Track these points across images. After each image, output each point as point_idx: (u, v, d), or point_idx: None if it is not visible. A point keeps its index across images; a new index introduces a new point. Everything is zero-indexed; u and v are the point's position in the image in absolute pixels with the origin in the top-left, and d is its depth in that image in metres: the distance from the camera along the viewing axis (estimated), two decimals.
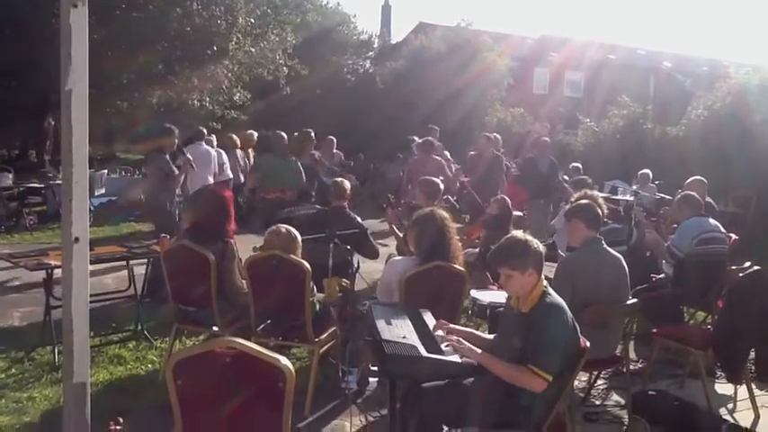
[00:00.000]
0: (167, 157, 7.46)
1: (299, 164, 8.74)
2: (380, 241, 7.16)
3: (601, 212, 4.60)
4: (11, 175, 11.96)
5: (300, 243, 4.65)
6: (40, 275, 5.50)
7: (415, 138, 12.42)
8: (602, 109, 19.31)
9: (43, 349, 5.35)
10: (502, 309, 3.84)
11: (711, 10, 77.59)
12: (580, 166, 11.36)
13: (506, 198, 7.49)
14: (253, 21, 16.41)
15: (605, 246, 4.46)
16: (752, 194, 12.27)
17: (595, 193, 5.03)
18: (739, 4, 76.90)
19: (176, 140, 7.76)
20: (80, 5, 2.68)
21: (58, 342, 5.03)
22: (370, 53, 28.30)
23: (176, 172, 7.48)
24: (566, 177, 10.59)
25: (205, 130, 11.05)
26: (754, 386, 4.78)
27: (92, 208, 10.71)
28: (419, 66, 21.24)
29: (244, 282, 4.87)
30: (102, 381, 4.92)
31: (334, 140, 12.65)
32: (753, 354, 5.02)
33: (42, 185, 12.17)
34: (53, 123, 16.11)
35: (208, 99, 16.59)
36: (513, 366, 3.21)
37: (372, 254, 6.24)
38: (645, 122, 16.96)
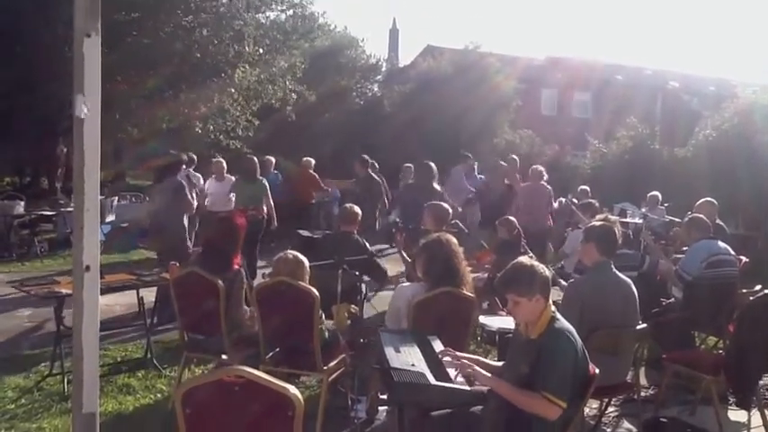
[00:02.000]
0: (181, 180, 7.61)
1: (266, 183, 9.19)
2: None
3: (618, 240, 4.54)
4: (22, 203, 12.06)
5: (308, 269, 4.65)
6: (50, 303, 5.53)
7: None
8: (610, 129, 19.35)
9: (53, 378, 5.35)
10: (511, 335, 3.83)
11: (717, 29, 77.80)
12: (588, 189, 11.37)
13: (514, 221, 7.49)
14: (261, 51, 16.57)
15: (614, 270, 4.43)
16: (762, 216, 12.22)
17: (614, 218, 4.99)
18: (745, 23, 77.10)
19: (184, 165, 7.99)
20: (93, 35, 2.73)
21: (68, 371, 5.04)
22: (379, 77, 28.47)
23: (188, 194, 7.61)
24: (574, 200, 10.59)
25: (195, 156, 11.35)
26: (767, 412, 4.72)
27: (103, 237, 10.80)
28: (427, 88, 21.37)
29: (249, 309, 4.89)
30: (112, 411, 4.91)
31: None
32: (766, 379, 4.97)
33: (53, 213, 12.27)
34: (65, 150, 16.26)
35: (212, 127, 16.70)
36: (527, 393, 3.17)
37: (381, 277, 6.26)
38: (653, 143, 16.97)
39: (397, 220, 6.95)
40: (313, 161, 12.91)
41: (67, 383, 5.07)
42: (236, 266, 5.05)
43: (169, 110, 15.35)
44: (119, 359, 6.03)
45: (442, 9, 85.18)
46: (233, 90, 15.96)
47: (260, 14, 17.41)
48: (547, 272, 3.36)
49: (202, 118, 16.21)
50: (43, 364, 5.68)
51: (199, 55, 14.75)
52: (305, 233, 7.30)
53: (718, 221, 7.10)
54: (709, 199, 7.22)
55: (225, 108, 16.31)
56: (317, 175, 12.87)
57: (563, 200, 11.65)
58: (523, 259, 3.43)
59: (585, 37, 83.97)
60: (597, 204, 8.46)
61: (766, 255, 10.20)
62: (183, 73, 14.68)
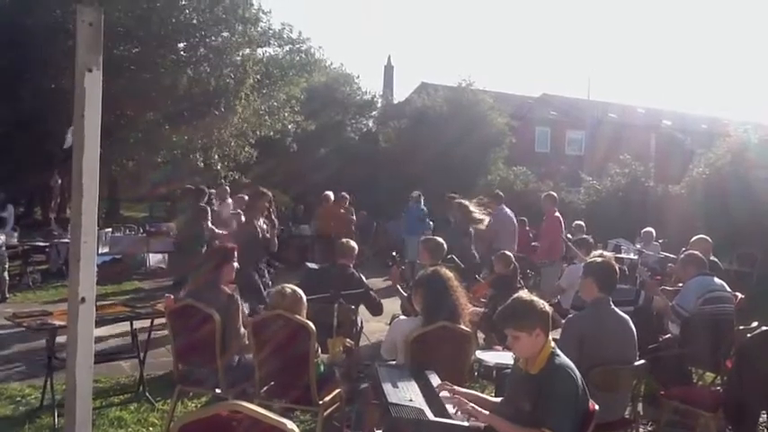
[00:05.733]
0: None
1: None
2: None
3: (617, 276, 4.53)
4: (16, 234, 12.00)
5: (306, 303, 4.62)
6: (42, 335, 5.48)
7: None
8: (603, 167, 19.48)
9: (44, 411, 5.27)
10: (509, 370, 3.80)
11: (708, 69, 78.97)
12: (583, 224, 11.39)
13: (510, 255, 7.48)
14: (259, 78, 16.71)
15: (612, 306, 4.41)
16: (756, 252, 12.24)
17: (608, 254, 4.99)
18: (736, 63, 78.32)
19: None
20: (94, 70, 2.76)
21: (60, 404, 4.97)
22: (374, 112, 28.70)
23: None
24: (569, 236, 10.61)
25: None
26: None
27: (96, 269, 10.73)
28: (422, 125, 21.52)
29: (245, 334, 4.84)
30: None
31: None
32: (765, 416, 4.93)
33: (47, 244, 12.21)
34: (59, 181, 16.26)
35: (217, 156, 16.74)
36: (525, 429, 3.14)
37: (377, 310, 6.24)
38: (647, 180, 17.09)
39: (394, 254, 6.94)
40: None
41: (58, 417, 4.99)
42: (228, 291, 5.01)
43: (167, 143, 15.40)
44: (111, 392, 5.95)
45: (437, 47, 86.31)
46: (236, 119, 16.04)
47: (259, 49, 17.60)
48: (547, 306, 3.35)
49: (203, 150, 16.27)
50: (34, 397, 5.60)
51: (198, 89, 14.86)
52: (312, 266, 7.26)
53: (712, 258, 7.10)
54: (703, 236, 7.23)
55: (225, 139, 16.38)
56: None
57: None
58: (523, 294, 3.42)
59: (579, 75, 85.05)
60: (591, 240, 8.46)
61: (761, 291, 10.19)
62: (183, 106, 14.77)
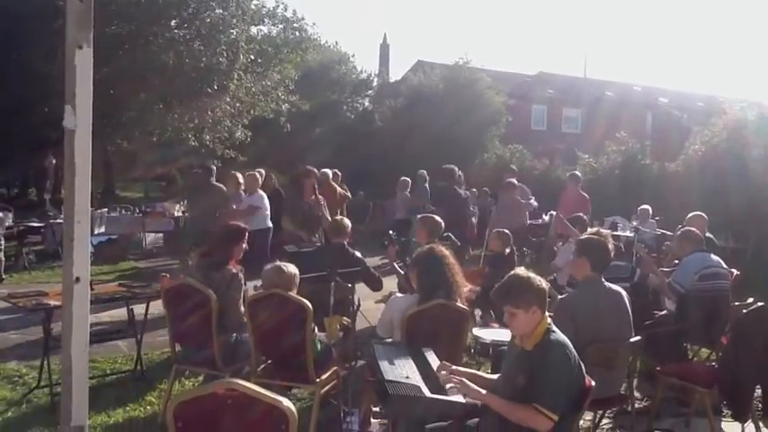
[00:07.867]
0: None
1: None
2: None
3: (610, 255, 4.49)
4: (10, 215, 11.95)
5: (297, 281, 4.62)
6: (38, 315, 5.46)
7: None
8: (600, 145, 19.42)
9: (41, 391, 5.28)
10: (505, 347, 3.80)
11: (705, 48, 78.64)
12: None
13: (509, 234, 7.48)
14: (253, 57, 16.59)
15: (603, 282, 4.39)
16: (752, 229, 12.25)
17: (606, 231, 4.95)
18: (732, 41, 77.97)
19: None
20: (85, 47, 2.72)
21: (56, 383, 4.97)
22: (369, 91, 28.59)
23: None
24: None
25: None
26: (761, 424, 4.71)
27: (92, 249, 10.70)
28: (418, 103, 21.43)
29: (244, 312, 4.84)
30: (101, 423, 4.84)
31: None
32: (759, 391, 4.95)
33: (42, 224, 12.17)
34: (54, 162, 16.17)
35: (208, 137, 16.66)
36: (518, 406, 3.14)
37: (377, 285, 6.25)
38: (643, 158, 17.06)
39: (391, 232, 6.93)
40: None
41: (56, 396, 4.99)
42: (233, 269, 5.00)
43: (162, 122, 15.32)
44: (108, 371, 5.96)
45: (433, 25, 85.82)
46: (228, 99, 15.96)
47: (252, 28, 17.47)
48: (543, 283, 3.34)
49: (196, 129, 16.19)
50: (31, 377, 5.60)
51: (189, 67, 14.74)
52: (291, 249, 7.22)
53: (708, 234, 7.10)
54: (698, 213, 7.22)
55: (218, 118, 16.29)
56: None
57: (554, 213, 11.67)
58: (520, 271, 3.40)
59: (576, 54, 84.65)
60: (585, 218, 8.46)
61: (755, 267, 10.21)
62: (176, 85, 14.66)
